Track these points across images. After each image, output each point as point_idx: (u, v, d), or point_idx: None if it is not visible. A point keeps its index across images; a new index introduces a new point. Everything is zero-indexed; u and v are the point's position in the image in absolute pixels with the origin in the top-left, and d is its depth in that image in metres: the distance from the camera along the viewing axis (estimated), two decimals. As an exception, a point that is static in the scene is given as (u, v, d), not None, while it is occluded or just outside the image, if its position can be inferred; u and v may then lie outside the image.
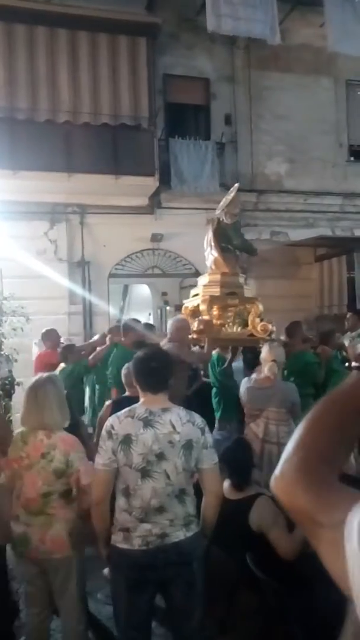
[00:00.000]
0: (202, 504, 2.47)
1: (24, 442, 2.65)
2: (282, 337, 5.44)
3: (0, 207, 8.18)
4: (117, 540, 2.32)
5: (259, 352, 4.35)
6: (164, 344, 4.58)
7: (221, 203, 5.63)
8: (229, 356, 5.20)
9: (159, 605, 2.50)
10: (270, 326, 5.27)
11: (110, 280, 9.28)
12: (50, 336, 6.44)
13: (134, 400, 2.52)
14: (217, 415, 5.09)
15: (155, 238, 9.18)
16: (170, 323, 4.92)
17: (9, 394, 6.83)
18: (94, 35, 8.34)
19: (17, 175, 7.85)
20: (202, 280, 5.77)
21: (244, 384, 4.17)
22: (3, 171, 7.80)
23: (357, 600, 0.67)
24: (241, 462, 3.10)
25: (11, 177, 7.83)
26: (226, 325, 5.35)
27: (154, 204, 9.18)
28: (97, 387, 6.03)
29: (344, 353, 5.96)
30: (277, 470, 0.84)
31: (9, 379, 6.89)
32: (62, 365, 5.64)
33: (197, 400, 4.48)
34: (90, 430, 5.02)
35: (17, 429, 2.88)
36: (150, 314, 12.08)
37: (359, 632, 0.87)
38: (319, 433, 0.85)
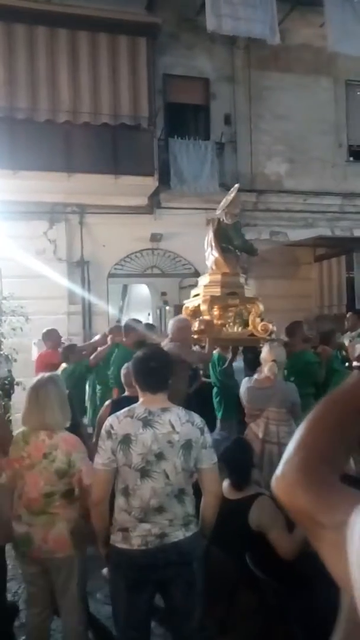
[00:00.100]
0: (201, 504, 2.46)
1: (25, 442, 2.65)
2: (282, 337, 5.45)
3: (-1, 207, 8.20)
4: (116, 540, 2.31)
5: (260, 352, 4.35)
6: (165, 343, 4.57)
7: (221, 203, 5.64)
8: (229, 356, 5.21)
9: (158, 605, 2.50)
10: (270, 326, 5.28)
11: (109, 280, 9.28)
12: (51, 336, 6.45)
13: (133, 400, 2.51)
14: (219, 415, 5.11)
15: (155, 238, 9.18)
16: (171, 323, 4.92)
17: (8, 394, 6.84)
18: (94, 35, 8.33)
19: (16, 175, 7.84)
20: (203, 280, 5.79)
21: (244, 384, 4.17)
22: (3, 171, 7.80)
23: (359, 600, 0.66)
24: (241, 461, 3.09)
25: (11, 177, 7.83)
26: (227, 325, 5.37)
27: (154, 204, 9.18)
28: (97, 387, 6.05)
29: (344, 353, 5.96)
30: (278, 471, 0.84)
31: (9, 379, 6.90)
32: (64, 365, 5.66)
33: (196, 400, 4.49)
34: (90, 430, 5.02)
35: (17, 428, 2.88)
36: (149, 314, 12.08)
37: (353, 628, 0.87)
38: (320, 433, 0.85)
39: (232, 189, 5.73)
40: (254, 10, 8.40)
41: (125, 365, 3.58)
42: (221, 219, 5.58)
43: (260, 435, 3.85)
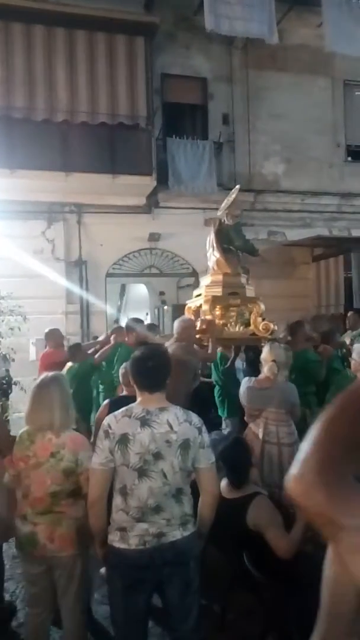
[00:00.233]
0: (199, 504, 2.46)
1: (31, 441, 2.63)
2: (282, 335, 5.47)
3: (-3, 207, 8.19)
4: (114, 539, 2.31)
5: (260, 351, 4.36)
6: (171, 343, 4.58)
7: (223, 204, 5.68)
8: (231, 355, 5.23)
9: (155, 604, 2.50)
10: (272, 325, 5.32)
11: (107, 280, 9.27)
12: (53, 336, 6.48)
13: (131, 399, 2.51)
14: (224, 414, 5.15)
15: (153, 237, 9.18)
16: (176, 323, 4.94)
17: (6, 394, 6.84)
18: (92, 34, 8.33)
19: (14, 175, 7.83)
20: (205, 280, 5.86)
21: (244, 384, 4.17)
22: (0, 170, 7.79)
23: None
24: (239, 461, 3.10)
25: (8, 176, 7.82)
26: (228, 325, 5.42)
27: (152, 204, 9.18)
28: (100, 386, 6.07)
29: (344, 351, 5.97)
30: (295, 472, 0.82)
31: (6, 379, 6.90)
32: (69, 364, 5.69)
33: (194, 400, 4.48)
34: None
35: (14, 428, 2.87)
36: (147, 314, 12.08)
37: (332, 622, 0.87)
38: (336, 434, 0.84)
39: (233, 190, 5.75)
40: (252, 10, 8.41)
41: (123, 364, 3.58)
42: (222, 220, 5.62)
43: (260, 435, 3.84)
